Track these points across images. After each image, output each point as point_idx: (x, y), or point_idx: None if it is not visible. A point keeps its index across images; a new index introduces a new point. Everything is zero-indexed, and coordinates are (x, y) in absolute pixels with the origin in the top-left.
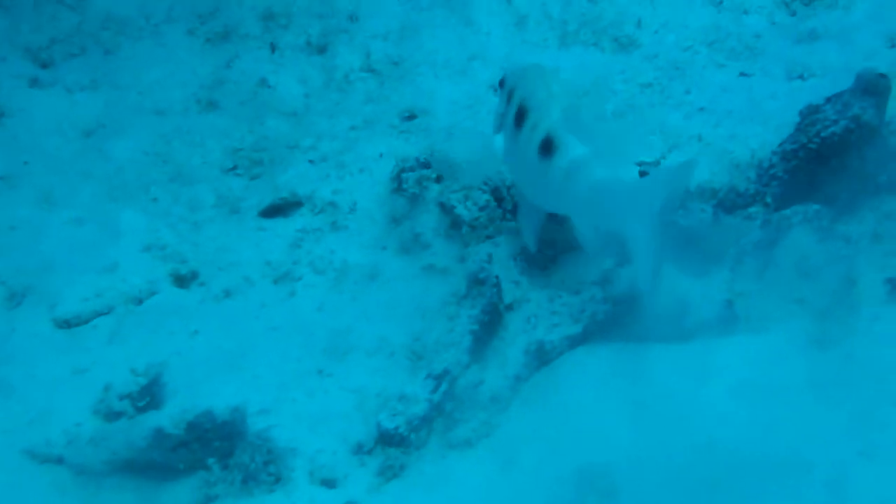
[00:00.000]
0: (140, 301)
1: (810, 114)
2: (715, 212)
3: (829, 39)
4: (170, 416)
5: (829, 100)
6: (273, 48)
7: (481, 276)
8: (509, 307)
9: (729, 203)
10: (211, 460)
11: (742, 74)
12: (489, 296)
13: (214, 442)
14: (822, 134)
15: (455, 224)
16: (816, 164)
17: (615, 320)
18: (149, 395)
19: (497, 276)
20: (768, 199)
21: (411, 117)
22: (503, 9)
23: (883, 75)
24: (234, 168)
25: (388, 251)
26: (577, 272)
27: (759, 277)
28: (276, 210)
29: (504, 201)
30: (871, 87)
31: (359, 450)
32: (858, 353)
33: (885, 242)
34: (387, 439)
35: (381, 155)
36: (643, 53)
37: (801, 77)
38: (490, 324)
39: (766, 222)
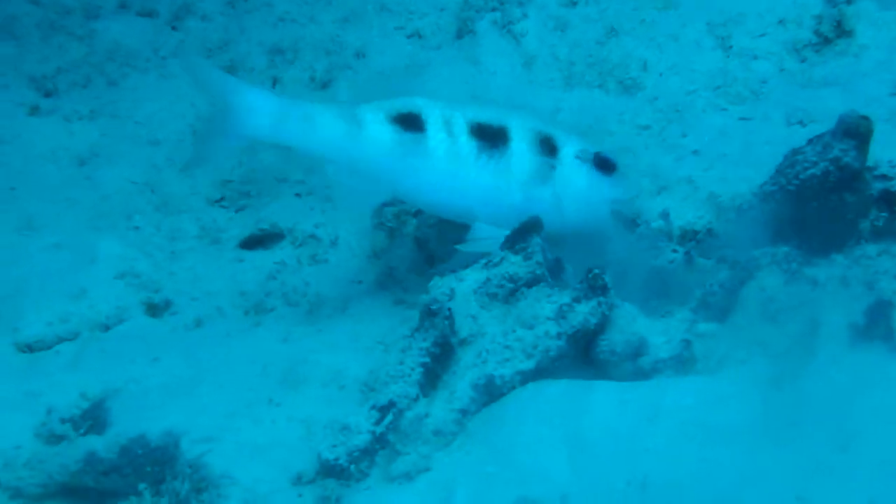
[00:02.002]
0: (107, 328)
1: (791, 155)
2: (687, 252)
3: (835, 86)
4: (104, 441)
5: (810, 141)
6: (275, 82)
7: (433, 308)
8: (464, 341)
9: (707, 244)
10: (142, 486)
11: (742, 119)
12: (441, 328)
13: (146, 467)
14: (801, 176)
15: (430, 259)
16: (795, 206)
17: (570, 356)
18: (91, 420)
19: (450, 309)
20: (746, 241)
21: None
22: (512, 49)
23: (865, 117)
24: (222, 199)
25: (363, 285)
26: (534, 307)
27: (722, 318)
28: (257, 242)
29: None
30: (852, 129)
31: (298, 480)
32: (812, 397)
33: (853, 286)
34: (327, 470)
35: None
36: (646, 96)
37: (800, 123)
38: (442, 357)
39: (735, 263)
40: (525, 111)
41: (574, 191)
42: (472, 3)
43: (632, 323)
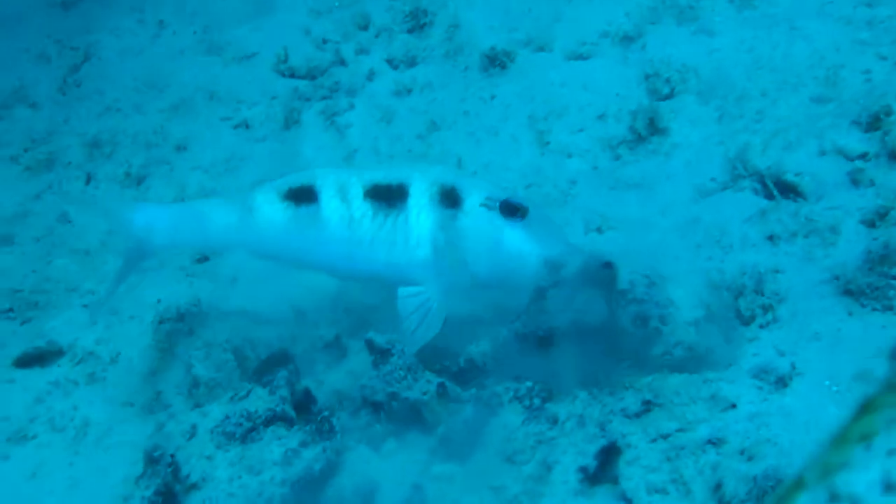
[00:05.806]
0: None
1: (538, 299)
2: (441, 384)
3: (640, 189)
4: None
5: (556, 285)
6: (89, 178)
7: (155, 455)
8: (195, 486)
9: (468, 376)
10: None
11: None
12: (163, 475)
13: None
14: (550, 323)
15: (196, 383)
16: (547, 347)
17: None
18: None
19: (173, 455)
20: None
21: (203, 260)
22: (335, 141)
23: (608, 264)
24: (10, 311)
25: (134, 408)
26: (264, 450)
27: (461, 460)
28: (34, 359)
29: (247, 360)
30: (596, 279)
31: None
32: None
33: (588, 427)
34: None
35: (158, 301)
36: None
37: (598, 230)
38: None
39: (479, 399)
40: (436, 166)
41: (480, 240)
42: (301, 91)
43: (364, 466)
